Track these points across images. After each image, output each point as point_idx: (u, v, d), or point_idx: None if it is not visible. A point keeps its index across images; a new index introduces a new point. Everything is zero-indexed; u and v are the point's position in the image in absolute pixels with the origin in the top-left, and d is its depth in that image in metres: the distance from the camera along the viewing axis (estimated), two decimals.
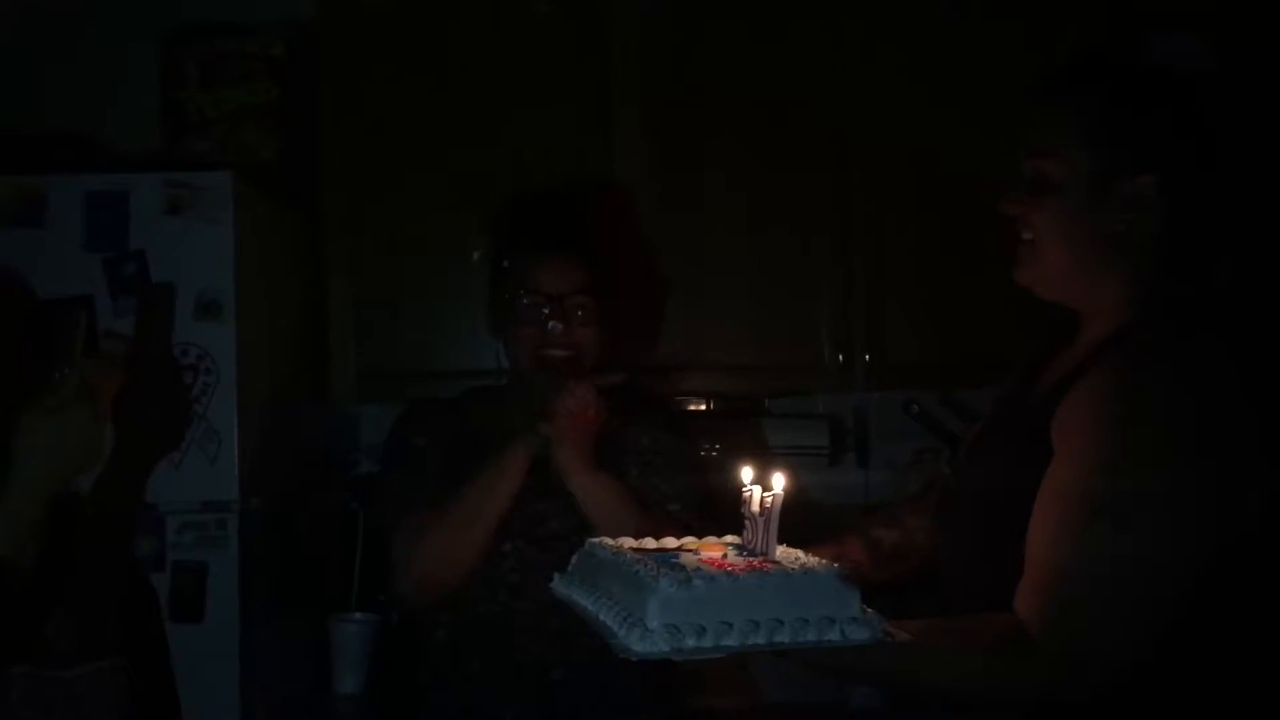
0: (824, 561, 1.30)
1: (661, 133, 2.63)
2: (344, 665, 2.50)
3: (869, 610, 1.25)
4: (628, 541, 1.39)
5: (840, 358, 2.63)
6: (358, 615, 2.56)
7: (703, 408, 2.74)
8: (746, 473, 1.35)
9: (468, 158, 2.63)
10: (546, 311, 1.90)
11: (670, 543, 1.39)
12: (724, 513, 1.47)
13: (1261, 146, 2.39)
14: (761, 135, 2.64)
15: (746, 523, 1.34)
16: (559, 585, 1.39)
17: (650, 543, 1.39)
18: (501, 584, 1.89)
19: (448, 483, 1.90)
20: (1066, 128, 1.48)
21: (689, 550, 1.35)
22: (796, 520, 1.39)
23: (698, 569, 1.23)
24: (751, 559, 1.30)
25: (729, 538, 1.41)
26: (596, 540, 1.40)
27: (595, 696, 1.89)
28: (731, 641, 1.15)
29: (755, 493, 1.32)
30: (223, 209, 2.12)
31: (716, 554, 1.32)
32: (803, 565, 1.27)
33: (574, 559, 1.42)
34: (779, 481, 1.32)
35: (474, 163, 2.62)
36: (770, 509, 1.31)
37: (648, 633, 1.14)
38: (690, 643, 1.14)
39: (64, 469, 1.51)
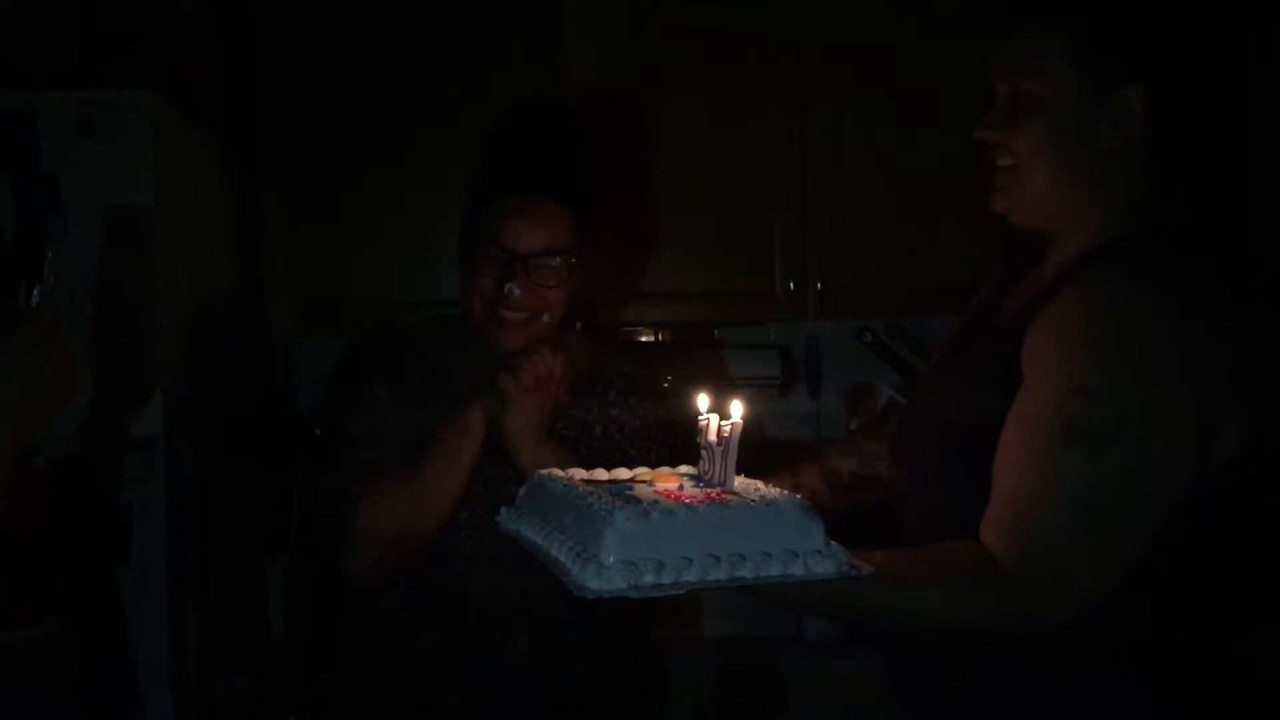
0: (785, 492, 1.25)
1: (616, 55, 2.54)
2: (280, 606, 2.42)
3: (833, 542, 1.20)
4: (578, 473, 1.32)
5: (792, 285, 2.57)
6: (294, 556, 2.48)
7: (652, 339, 2.67)
8: (702, 401, 1.29)
9: (413, 72, 2.52)
10: (507, 270, 1.71)
11: (623, 474, 1.34)
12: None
13: (1235, 53, 2.35)
14: (717, 61, 2.56)
15: (703, 453, 1.28)
16: (506, 519, 1.32)
17: (602, 474, 1.33)
18: (457, 553, 1.76)
19: (408, 441, 1.76)
20: (1050, 42, 1.40)
21: (643, 481, 1.29)
22: (751, 451, 1.33)
23: (654, 501, 1.17)
24: (709, 490, 1.24)
25: (684, 468, 1.35)
26: (546, 471, 1.33)
27: (561, 666, 1.78)
28: (691, 577, 1.10)
29: (712, 422, 1.26)
30: (142, 129, 2.02)
31: (672, 485, 1.26)
32: (764, 497, 1.22)
33: (521, 491, 1.35)
34: (737, 409, 1.26)
35: (420, 79, 2.51)
36: (728, 438, 1.25)
37: (603, 569, 1.08)
38: (648, 579, 1.08)
39: (38, 409, 1.38)
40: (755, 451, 1.36)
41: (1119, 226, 1.41)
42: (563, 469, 1.41)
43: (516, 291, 1.71)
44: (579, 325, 1.86)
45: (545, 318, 1.74)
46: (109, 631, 1.97)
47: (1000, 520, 1.32)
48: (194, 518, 2.13)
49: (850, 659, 2.29)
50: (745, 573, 1.12)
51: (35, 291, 1.40)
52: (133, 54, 2.39)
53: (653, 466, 1.48)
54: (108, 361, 1.98)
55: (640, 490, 1.24)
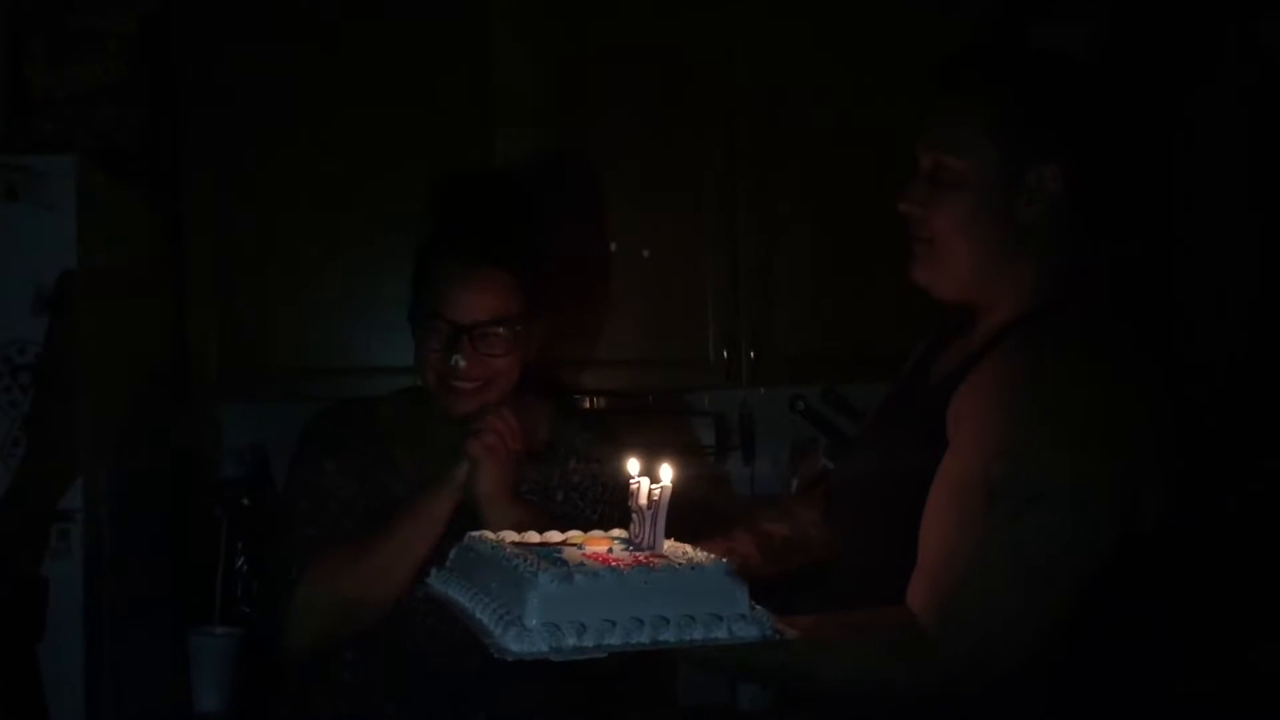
0: (711, 556, 1.24)
1: (545, 116, 2.55)
2: (205, 681, 2.36)
3: (757, 606, 1.20)
4: (509, 535, 1.31)
5: (725, 354, 2.59)
6: (219, 629, 2.42)
7: (587, 405, 2.67)
8: (633, 465, 1.30)
9: (341, 133, 2.51)
10: (450, 344, 1.70)
11: (554, 536, 1.33)
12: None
13: (1154, 129, 2.44)
14: (647, 128, 2.58)
15: (634, 516, 1.27)
16: (435, 581, 1.31)
17: (534, 536, 1.33)
18: (417, 628, 1.72)
19: (359, 518, 1.74)
20: (970, 120, 1.44)
21: (573, 545, 1.29)
22: (685, 516, 1.33)
23: (580, 564, 1.17)
24: (638, 554, 1.24)
25: (616, 531, 1.35)
26: (476, 534, 1.32)
27: None
28: (614, 640, 1.09)
29: (642, 485, 1.26)
30: (64, 194, 1.98)
31: (601, 548, 1.26)
32: (690, 560, 1.22)
33: (452, 553, 1.35)
34: (666, 473, 1.26)
35: (349, 138, 2.51)
36: (657, 502, 1.25)
37: (525, 631, 1.07)
38: (571, 641, 1.07)
39: None
40: (689, 517, 1.36)
41: (1041, 297, 1.44)
42: (534, 527, 1.41)
43: (462, 363, 1.70)
44: (531, 392, 1.85)
45: (497, 385, 1.73)
46: (22, 708, 1.90)
47: (924, 584, 1.32)
48: (113, 590, 2.07)
49: None
50: (669, 636, 1.11)
51: None
52: (57, 118, 2.37)
53: (609, 522, 1.48)
54: (25, 430, 1.94)
55: (569, 553, 1.24)
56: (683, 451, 2.59)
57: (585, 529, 1.73)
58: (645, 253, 2.57)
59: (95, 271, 2.03)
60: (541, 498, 1.79)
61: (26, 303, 1.96)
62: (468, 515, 1.68)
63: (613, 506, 1.78)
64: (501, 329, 1.71)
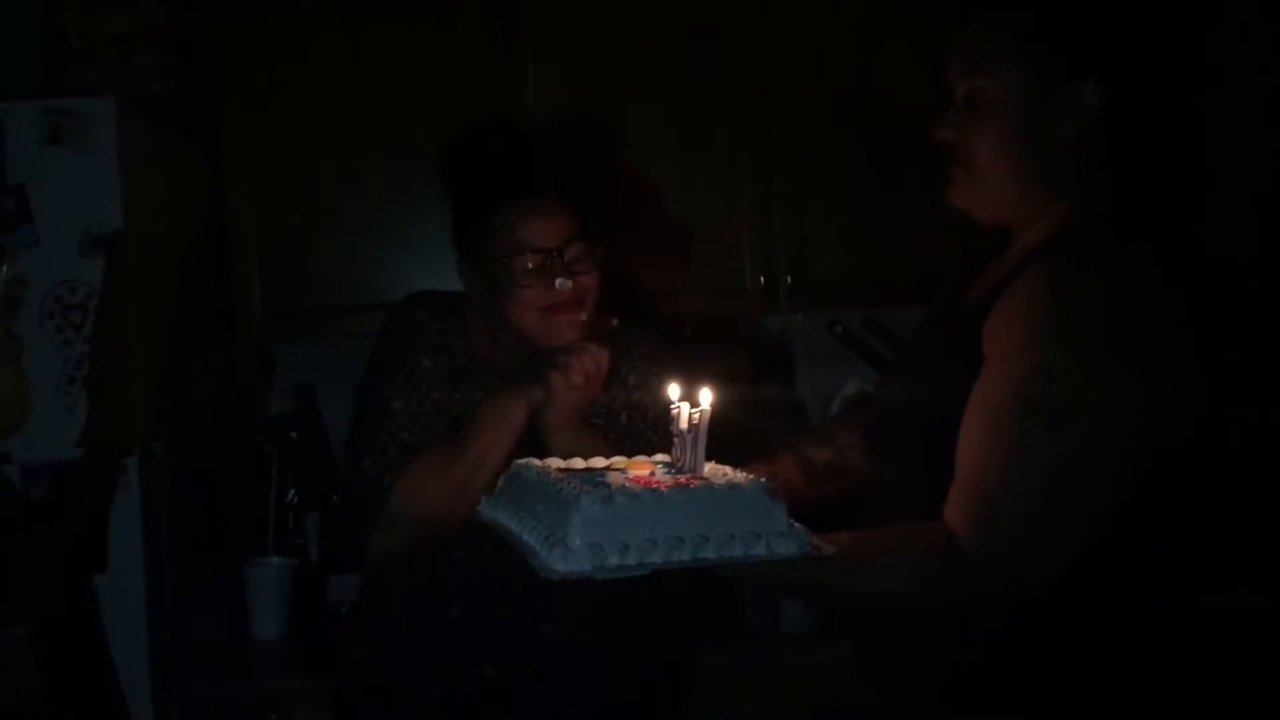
0: (750, 476, 1.27)
1: (577, 53, 2.54)
2: (261, 610, 2.44)
3: (796, 524, 1.22)
4: (555, 461, 1.34)
5: (762, 280, 2.59)
6: (274, 559, 2.49)
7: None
8: (673, 390, 1.31)
9: (377, 81, 2.52)
10: (548, 269, 1.73)
11: (599, 462, 1.36)
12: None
13: (1192, 48, 2.39)
14: (680, 53, 2.56)
15: (675, 440, 1.30)
16: (486, 508, 1.35)
17: (579, 462, 1.36)
18: (485, 537, 1.78)
19: (449, 418, 1.78)
20: (1003, 41, 1.43)
21: (616, 469, 1.31)
22: (727, 441, 1.35)
23: (622, 486, 1.19)
24: (679, 476, 1.26)
25: (659, 456, 1.37)
26: (524, 461, 1.35)
27: (584, 657, 1.81)
28: (656, 558, 1.12)
29: (683, 410, 1.28)
30: (107, 138, 2.01)
31: (644, 472, 1.29)
32: (729, 480, 1.24)
33: (500, 481, 1.38)
34: (706, 397, 1.28)
35: (385, 87, 2.51)
36: (697, 425, 1.27)
37: (569, 551, 1.10)
38: (613, 560, 1.10)
39: None
40: (731, 442, 1.38)
41: (1077, 214, 1.44)
42: (594, 456, 1.45)
43: (569, 283, 1.73)
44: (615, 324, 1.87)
45: (588, 304, 1.77)
46: (86, 638, 1.97)
47: (961, 498, 1.34)
48: (170, 523, 2.13)
49: (826, 650, 2.31)
50: (709, 554, 1.14)
51: None
52: (94, 65, 2.39)
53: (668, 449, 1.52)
54: (81, 370, 1.99)
55: (612, 477, 1.27)
56: (724, 379, 2.61)
57: (648, 450, 1.79)
58: (680, 183, 2.56)
59: (141, 214, 2.06)
60: (606, 420, 1.82)
61: (74, 244, 2.00)
62: (532, 443, 1.72)
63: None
64: (583, 245, 1.76)
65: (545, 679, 1.80)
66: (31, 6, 2.46)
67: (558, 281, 1.73)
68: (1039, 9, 1.43)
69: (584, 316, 1.76)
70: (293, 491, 2.59)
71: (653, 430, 1.82)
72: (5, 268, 1.47)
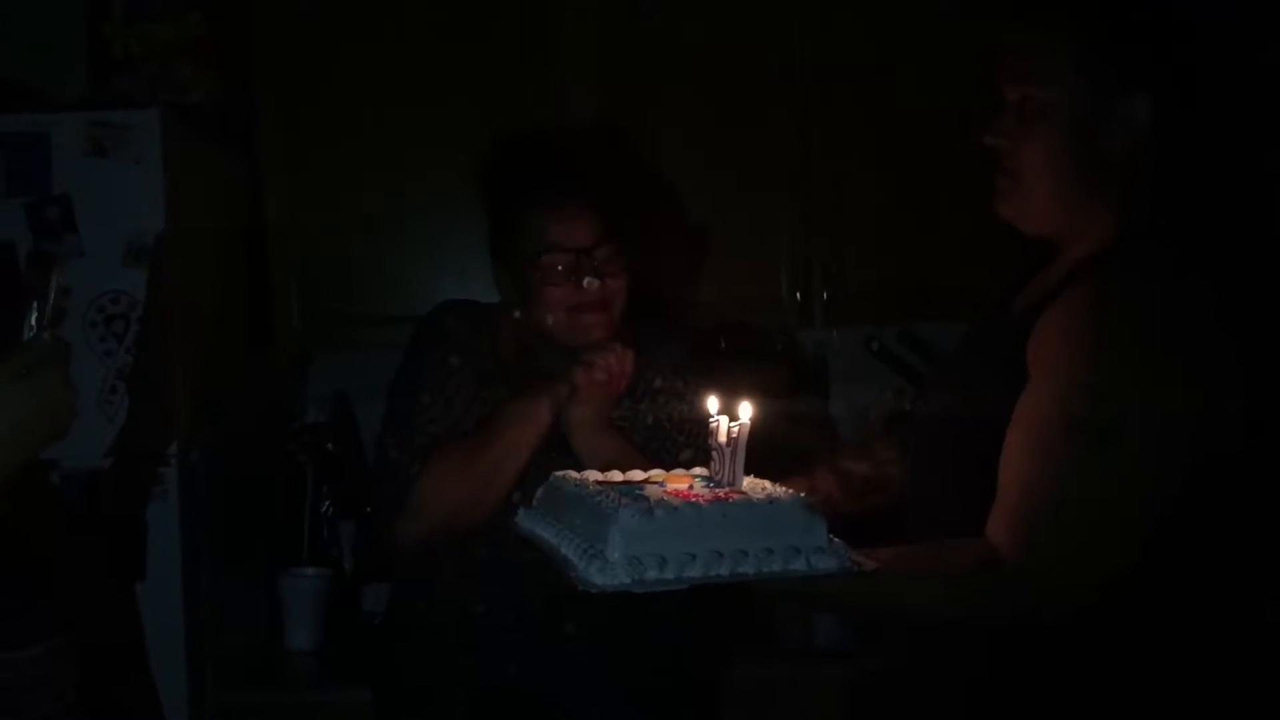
0: (789, 491, 1.26)
1: (615, 66, 2.55)
2: (296, 620, 2.44)
3: (835, 539, 1.21)
4: (593, 474, 1.34)
5: (798, 295, 2.58)
6: (309, 570, 2.50)
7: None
8: (712, 403, 1.31)
9: (416, 93, 2.53)
10: (576, 268, 1.76)
11: (637, 474, 1.36)
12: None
13: (1243, 65, 2.36)
14: (717, 66, 2.56)
15: (714, 454, 1.29)
16: (523, 519, 1.35)
17: (616, 474, 1.35)
18: (511, 534, 1.79)
19: (476, 416, 1.80)
20: (1057, 50, 1.42)
21: (655, 482, 1.31)
22: (766, 455, 1.34)
23: (661, 500, 1.19)
24: (717, 490, 1.25)
25: (697, 469, 1.37)
26: (562, 473, 1.35)
27: (608, 655, 1.81)
28: (694, 572, 1.12)
29: (721, 423, 1.28)
30: (150, 148, 2.04)
31: (683, 485, 1.28)
32: (768, 495, 1.23)
33: (539, 492, 1.38)
34: (745, 411, 1.28)
35: (423, 99, 2.53)
36: (736, 439, 1.26)
37: (608, 564, 1.10)
38: (652, 574, 1.10)
39: (34, 437, 1.38)
40: (770, 456, 1.38)
41: (1125, 229, 1.42)
42: (621, 458, 1.46)
43: (596, 282, 1.76)
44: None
45: (616, 306, 1.80)
46: (124, 647, 1.99)
47: (1004, 515, 1.32)
48: (208, 532, 2.14)
49: (859, 666, 2.29)
50: (747, 568, 1.13)
51: (31, 317, 1.40)
52: (136, 76, 2.42)
53: (698, 453, 1.51)
54: (125, 379, 2.01)
55: (650, 490, 1.26)
56: (760, 391, 2.60)
57: (672, 453, 1.79)
58: (717, 195, 2.56)
59: (183, 224, 2.08)
60: (631, 422, 1.84)
61: (118, 255, 2.02)
62: (557, 443, 1.74)
63: (700, 426, 1.82)
64: (612, 247, 1.78)
65: (569, 677, 1.81)
66: (76, 19, 2.49)
67: (585, 281, 1.76)
68: (1094, 20, 1.42)
69: (611, 317, 1.79)
70: (328, 502, 2.60)
71: (678, 430, 1.84)
72: (55, 277, 1.49)
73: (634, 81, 2.56)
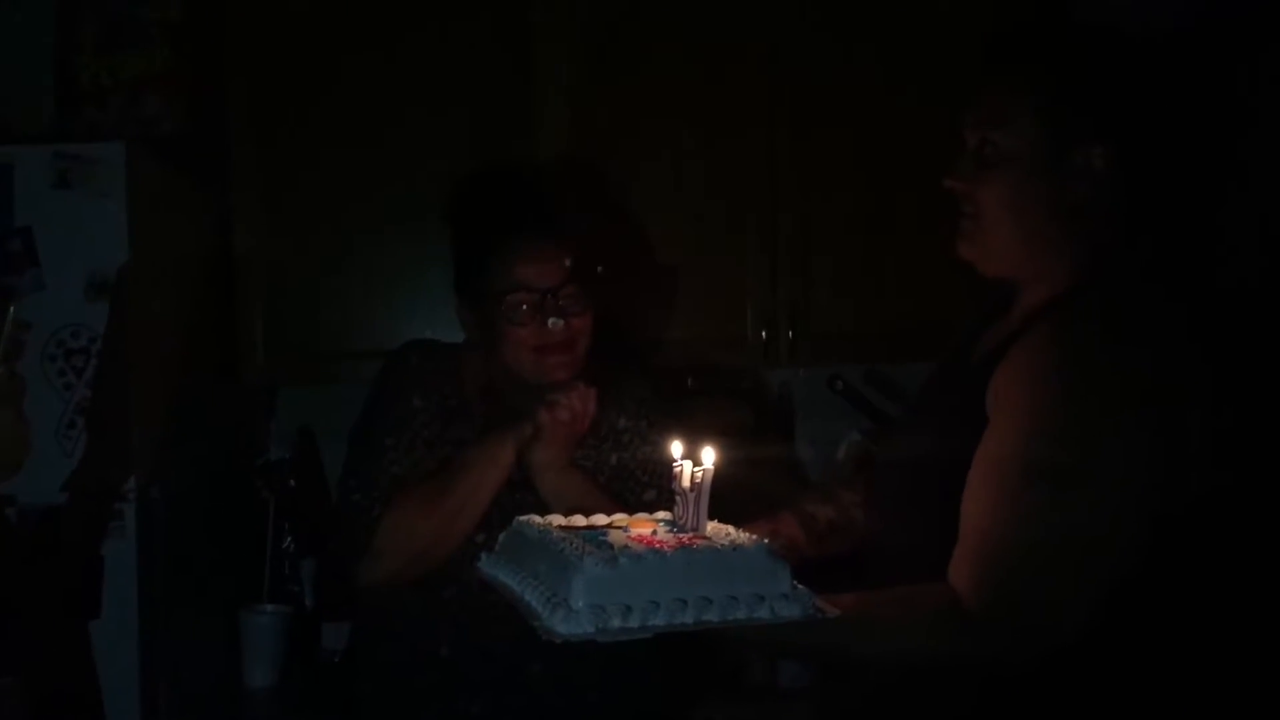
0: (754, 537, 1.26)
1: (584, 106, 2.56)
2: (255, 657, 2.41)
3: (799, 586, 1.22)
4: (557, 519, 1.34)
5: (763, 334, 2.59)
6: (269, 606, 2.47)
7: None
8: (676, 448, 1.31)
9: (384, 126, 2.53)
10: (541, 309, 1.77)
11: (600, 519, 1.36)
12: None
13: (1206, 109, 2.40)
14: (688, 106, 2.58)
15: (678, 499, 1.29)
16: (486, 565, 1.35)
17: (580, 520, 1.35)
18: (474, 576, 1.78)
19: (438, 457, 1.80)
20: (1019, 98, 1.44)
21: (618, 527, 1.31)
22: (730, 498, 1.34)
23: (625, 547, 1.19)
24: (681, 535, 1.26)
25: (661, 514, 1.37)
26: (525, 518, 1.35)
27: (574, 692, 1.80)
28: (658, 621, 1.12)
29: (685, 468, 1.28)
30: (115, 181, 2.02)
31: (646, 531, 1.28)
32: (732, 541, 1.23)
33: (501, 538, 1.37)
34: (709, 456, 1.28)
35: (392, 132, 2.53)
36: (700, 484, 1.27)
37: (572, 613, 1.09)
38: (616, 623, 1.10)
39: None
40: (733, 499, 1.38)
41: (1084, 274, 1.44)
42: (584, 497, 1.45)
43: (561, 323, 1.76)
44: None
45: (581, 345, 1.81)
46: (76, 686, 1.95)
47: (966, 561, 1.33)
48: (166, 569, 2.12)
49: (824, 706, 2.28)
50: (712, 616, 1.13)
51: None
52: (105, 107, 2.41)
53: (661, 493, 1.51)
54: (84, 414, 1.98)
55: (614, 535, 1.26)
56: (725, 433, 2.60)
57: (635, 493, 1.79)
58: (684, 234, 2.58)
59: (147, 257, 2.07)
60: (595, 462, 1.84)
61: (79, 288, 2.00)
62: (521, 483, 1.75)
63: (663, 466, 1.82)
64: (578, 287, 1.79)
65: (535, 719, 1.80)
66: (45, 51, 2.48)
67: (550, 322, 1.76)
68: (1057, 69, 1.45)
69: (575, 357, 1.80)
70: (289, 538, 2.58)
71: (641, 470, 1.85)
72: (11, 311, 1.47)
73: (603, 120, 2.57)
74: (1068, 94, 1.43)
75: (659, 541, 1.22)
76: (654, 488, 1.83)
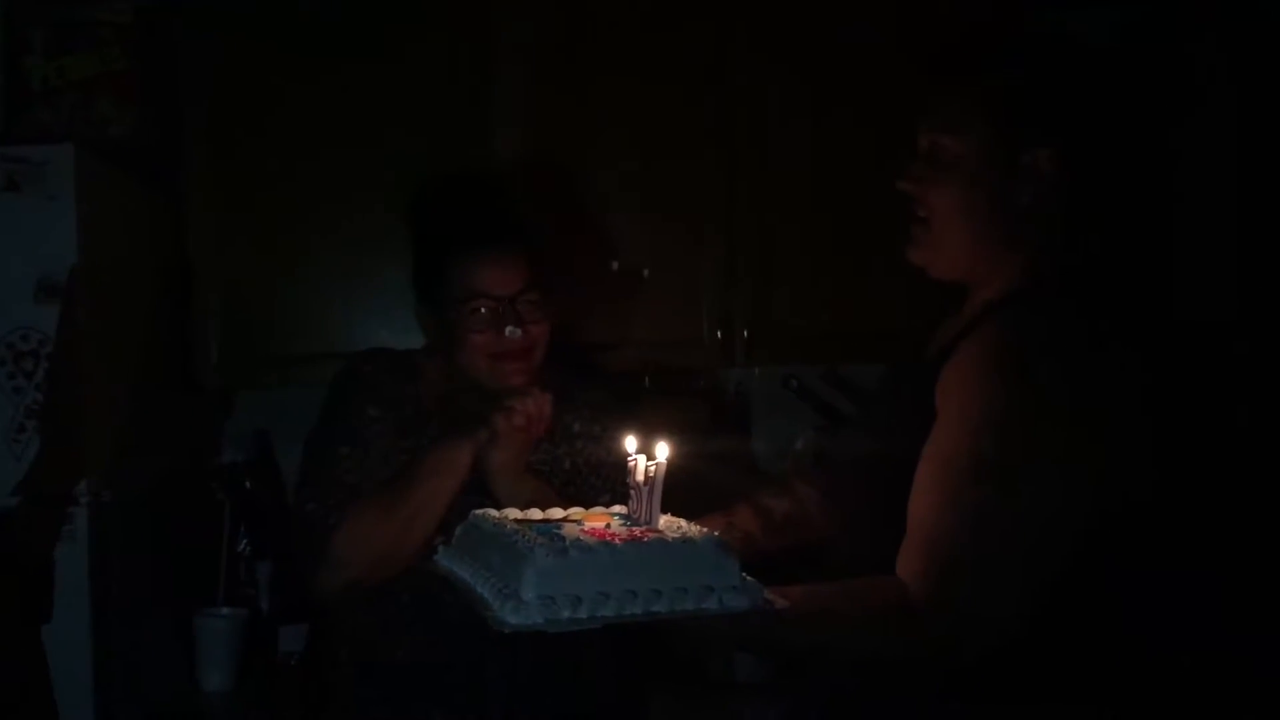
0: (704, 530, 1.28)
1: (542, 115, 2.56)
2: (210, 661, 2.39)
3: (748, 578, 1.23)
4: (513, 512, 1.35)
5: (719, 334, 2.61)
6: (224, 610, 2.46)
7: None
8: (630, 443, 1.33)
9: (344, 132, 2.52)
10: (499, 316, 1.78)
11: (556, 513, 1.36)
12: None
13: (1153, 116, 2.44)
14: (644, 115, 2.58)
15: (631, 493, 1.31)
16: (442, 558, 1.36)
17: (536, 513, 1.36)
18: (433, 581, 1.78)
19: (394, 465, 1.80)
20: (967, 102, 1.47)
21: (573, 520, 1.31)
22: (686, 493, 1.36)
23: (576, 539, 1.20)
24: (634, 529, 1.27)
25: (616, 508, 1.38)
26: (481, 511, 1.36)
27: (531, 698, 1.80)
28: (608, 612, 1.13)
29: (639, 462, 1.30)
30: (64, 185, 2.00)
31: (600, 524, 1.29)
32: (683, 533, 1.25)
33: (458, 531, 1.38)
34: (662, 451, 1.30)
35: (352, 139, 2.52)
36: (653, 478, 1.28)
37: (522, 604, 1.10)
38: (565, 614, 1.11)
39: None
40: (690, 496, 1.39)
41: (1030, 274, 1.47)
42: (540, 501, 1.47)
43: (519, 331, 1.78)
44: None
45: (538, 352, 1.82)
46: (30, 689, 1.93)
47: (914, 555, 1.35)
48: (119, 573, 2.10)
49: (781, 699, 2.30)
50: (661, 607, 1.14)
51: None
52: (55, 109, 2.39)
53: (616, 496, 1.53)
54: (34, 418, 1.96)
55: (567, 529, 1.27)
56: (681, 432, 2.62)
57: (590, 497, 1.80)
58: (641, 235, 2.59)
59: (97, 260, 2.05)
60: (550, 465, 1.85)
61: (29, 291, 1.98)
62: (477, 487, 1.74)
63: (616, 469, 1.83)
64: (536, 294, 1.80)
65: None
66: None
67: (508, 330, 1.78)
68: (1005, 74, 1.47)
69: (531, 363, 1.81)
70: (245, 541, 2.56)
71: (595, 474, 1.87)
72: None
73: (562, 126, 2.57)
74: (1015, 99, 1.46)
75: (611, 534, 1.24)
76: (609, 491, 1.83)
